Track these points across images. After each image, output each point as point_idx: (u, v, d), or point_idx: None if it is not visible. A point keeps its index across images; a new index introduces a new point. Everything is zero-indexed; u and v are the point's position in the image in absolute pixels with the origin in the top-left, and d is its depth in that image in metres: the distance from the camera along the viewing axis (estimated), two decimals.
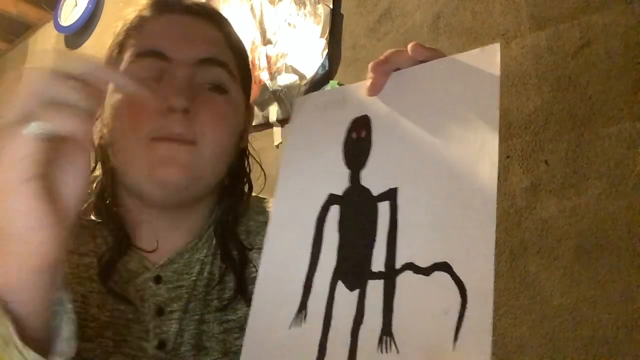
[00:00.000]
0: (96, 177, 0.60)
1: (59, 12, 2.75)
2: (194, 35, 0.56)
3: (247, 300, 0.58)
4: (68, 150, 0.36)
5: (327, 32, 1.46)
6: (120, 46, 0.57)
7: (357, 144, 0.45)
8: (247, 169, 0.66)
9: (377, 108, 0.45)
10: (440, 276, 0.36)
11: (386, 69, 0.46)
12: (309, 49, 1.50)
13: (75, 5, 2.66)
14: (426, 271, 0.37)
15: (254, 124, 1.60)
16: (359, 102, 0.46)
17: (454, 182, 0.38)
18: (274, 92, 1.57)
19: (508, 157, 1.04)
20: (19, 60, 3.28)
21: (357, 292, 0.39)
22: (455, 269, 0.36)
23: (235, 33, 0.62)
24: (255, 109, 1.62)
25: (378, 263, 0.39)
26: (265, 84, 1.60)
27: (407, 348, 0.35)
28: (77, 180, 0.37)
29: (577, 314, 0.90)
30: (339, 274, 0.40)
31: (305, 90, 1.48)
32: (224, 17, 0.62)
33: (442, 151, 0.39)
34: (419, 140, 0.41)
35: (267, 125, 1.58)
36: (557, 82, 1.00)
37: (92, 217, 0.57)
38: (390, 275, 0.38)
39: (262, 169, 0.67)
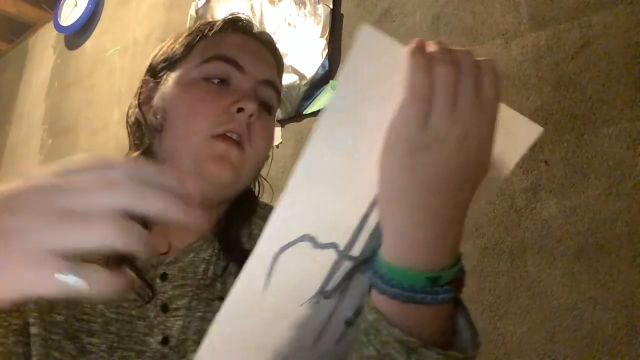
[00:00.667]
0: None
1: (59, 12, 2.75)
2: (264, 58, 0.63)
3: None
4: None
5: (327, 32, 1.46)
6: (190, 47, 0.62)
7: None
8: (257, 186, 0.71)
9: None
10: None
11: None
12: (309, 49, 1.50)
13: (75, 5, 2.67)
14: None
15: None
16: None
17: None
18: None
19: None
20: (19, 60, 3.28)
21: None
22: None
23: (283, 68, 0.70)
24: None
25: None
26: None
27: None
28: None
29: (577, 314, 0.90)
30: None
31: (305, 90, 1.48)
32: (279, 51, 0.69)
33: None
34: None
35: None
36: (557, 82, 1.01)
37: None
38: None
39: (270, 184, 0.72)
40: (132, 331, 0.55)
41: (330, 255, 0.40)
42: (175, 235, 0.60)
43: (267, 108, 0.62)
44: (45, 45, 3.02)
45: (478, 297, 1.01)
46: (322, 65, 1.45)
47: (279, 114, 1.55)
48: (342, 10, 1.48)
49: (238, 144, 0.56)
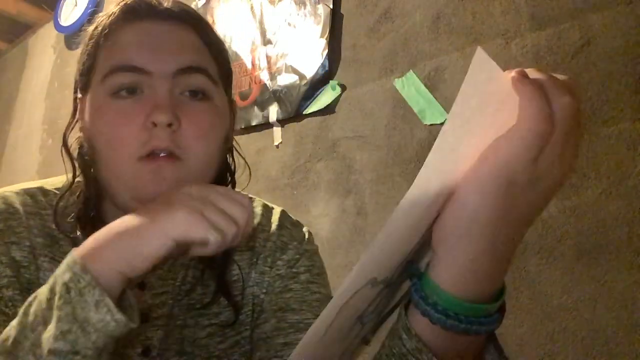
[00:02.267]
0: (78, 186, 0.58)
1: (59, 12, 2.75)
2: (171, 43, 0.54)
3: (229, 303, 0.58)
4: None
5: (327, 32, 1.46)
6: (93, 57, 0.55)
7: None
8: (231, 167, 0.64)
9: None
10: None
11: None
12: (309, 49, 1.50)
13: (75, 5, 2.66)
14: None
15: (253, 124, 1.61)
16: None
17: None
18: (274, 92, 1.57)
19: None
20: (19, 60, 3.28)
21: None
22: None
23: (213, 34, 0.60)
24: (255, 108, 1.62)
25: None
26: (265, 84, 1.60)
27: None
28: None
29: (577, 314, 0.90)
30: None
31: (305, 90, 1.48)
32: (201, 19, 0.59)
33: None
34: None
35: (267, 125, 1.58)
36: None
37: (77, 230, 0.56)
38: None
39: (247, 164, 0.66)
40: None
41: (380, 287, 0.39)
42: None
43: (198, 95, 0.55)
44: (45, 45, 3.02)
45: None
46: (322, 65, 1.45)
47: (279, 114, 1.55)
48: (342, 10, 1.48)
49: (170, 156, 0.51)
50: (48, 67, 2.92)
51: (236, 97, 1.68)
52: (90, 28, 0.57)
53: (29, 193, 0.57)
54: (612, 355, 0.85)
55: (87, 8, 2.59)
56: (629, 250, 0.87)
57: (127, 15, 0.55)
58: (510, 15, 1.10)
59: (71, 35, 2.73)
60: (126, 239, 0.41)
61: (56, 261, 0.54)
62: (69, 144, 0.58)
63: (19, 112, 3.13)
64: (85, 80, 0.56)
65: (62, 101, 2.73)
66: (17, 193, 0.56)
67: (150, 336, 0.55)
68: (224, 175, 0.63)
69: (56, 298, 0.40)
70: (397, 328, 0.39)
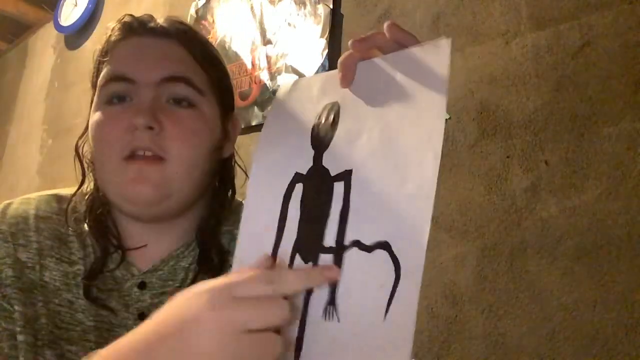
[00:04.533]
0: (90, 190, 0.63)
1: (59, 12, 2.75)
2: (156, 56, 0.59)
3: None
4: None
5: (327, 32, 1.46)
6: (98, 71, 0.61)
7: (324, 127, 0.48)
8: (232, 175, 0.68)
9: (346, 95, 0.48)
10: (381, 254, 0.40)
11: (354, 59, 0.47)
12: (309, 49, 1.50)
13: (75, 5, 2.66)
14: (369, 248, 0.41)
15: (253, 123, 1.61)
16: (333, 89, 0.49)
17: (399, 169, 0.41)
18: (274, 92, 1.57)
19: (508, 157, 1.04)
20: (19, 60, 3.28)
21: (310, 264, 0.44)
22: (393, 248, 0.40)
23: (206, 49, 0.64)
24: (255, 109, 1.62)
25: (330, 239, 0.43)
26: (265, 84, 1.61)
27: (346, 317, 0.41)
28: None
29: (577, 314, 0.90)
30: (297, 247, 0.45)
31: None
32: (193, 35, 0.64)
33: (394, 139, 0.43)
34: (375, 128, 0.44)
35: None
36: (557, 82, 1.00)
37: (85, 226, 0.60)
38: (338, 251, 0.42)
39: (246, 174, 0.69)
40: (110, 338, 0.56)
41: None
42: (151, 243, 0.60)
43: (182, 103, 0.58)
44: (45, 45, 3.02)
45: (478, 297, 1.01)
46: (322, 65, 1.45)
47: None
48: (342, 10, 1.48)
49: (154, 158, 0.55)
50: (48, 67, 2.92)
51: (236, 97, 1.68)
52: (97, 47, 0.63)
53: (43, 199, 0.62)
54: (612, 355, 0.86)
55: (87, 8, 2.59)
56: (629, 250, 0.87)
57: (123, 31, 0.61)
58: (510, 15, 1.10)
59: (71, 35, 2.73)
60: None
61: (62, 262, 0.58)
62: (83, 150, 0.63)
63: (19, 112, 3.13)
64: (92, 93, 0.62)
65: (62, 101, 2.73)
66: (34, 199, 0.62)
67: None
68: (225, 185, 0.67)
69: None
70: None
